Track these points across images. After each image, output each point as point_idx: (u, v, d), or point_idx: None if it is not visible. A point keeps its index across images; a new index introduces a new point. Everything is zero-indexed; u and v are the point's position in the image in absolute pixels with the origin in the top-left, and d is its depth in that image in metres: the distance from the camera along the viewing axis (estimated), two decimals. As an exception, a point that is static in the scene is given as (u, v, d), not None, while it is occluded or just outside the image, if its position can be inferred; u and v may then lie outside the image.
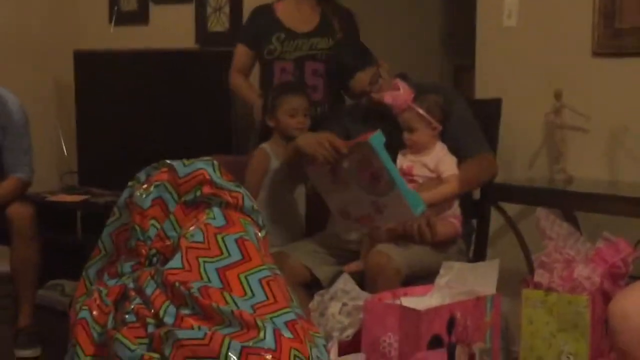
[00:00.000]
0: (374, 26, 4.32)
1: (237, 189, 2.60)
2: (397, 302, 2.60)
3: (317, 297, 2.76)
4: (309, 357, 2.28)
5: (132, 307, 2.42)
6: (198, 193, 2.57)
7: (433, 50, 5.38)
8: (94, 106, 5.04)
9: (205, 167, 2.60)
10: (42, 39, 5.28)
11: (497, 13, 3.74)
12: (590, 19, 3.48)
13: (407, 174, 3.10)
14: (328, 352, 2.45)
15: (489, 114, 3.41)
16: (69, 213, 4.86)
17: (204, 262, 2.40)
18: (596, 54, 3.49)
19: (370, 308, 2.57)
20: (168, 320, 2.34)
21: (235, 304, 2.32)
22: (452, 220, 3.15)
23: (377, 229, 3.09)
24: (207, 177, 2.57)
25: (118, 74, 4.92)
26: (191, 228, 2.50)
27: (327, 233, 3.38)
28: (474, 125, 3.25)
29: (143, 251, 2.55)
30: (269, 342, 2.25)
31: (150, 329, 2.36)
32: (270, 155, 3.43)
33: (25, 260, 3.89)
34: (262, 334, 2.26)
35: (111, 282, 2.60)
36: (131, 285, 2.49)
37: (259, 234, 2.58)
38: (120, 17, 5.22)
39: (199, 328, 2.29)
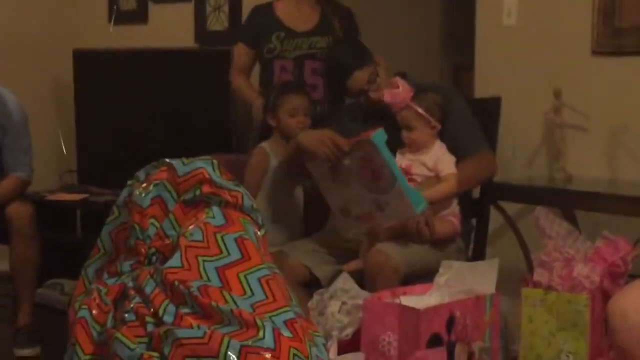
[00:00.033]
0: (373, 25, 4.31)
1: (237, 188, 2.60)
2: (397, 301, 2.60)
3: (316, 296, 2.76)
4: (308, 356, 2.28)
5: (132, 306, 2.42)
6: (197, 192, 2.57)
7: (433, 49, 5.38)
8: (93, 105, 5.04)
9: (205, 166, 2.60)
10: (41, 38, 5.27)
11: (497, 12, 3.74)
12: (590, 18, 3.47)
13: (406, 173, 3.10)
14: (327, 351, 2.45)
15: (488, 112, 3.40)
16: (69, 212, 4.86)
17: (204, 261, 2.40)
18: (596, 52, 3.49)
19: (370, 307, 2.57)
20: (167, 319, 2.34)
21: (235, 303, 2.32)
22: (451, 219, 3.15)
23: (377, 228, 3.09)
24: (207, 176, 2.57)
25: (117, 73, 4.91)
26: (190, 227, 2.50)
27: (327, 232, 3.37)
28: (473, 124, 3.25)
29: (142, 250, 2.55)
30: (268, 341, 2.25)
31: (150, 327, 2.36)
32: (269, 154, 3.43)
33: (24, 259, 3.89)
34: (261, 333, 2.26)
35: (110, 281, 2.60)
36: (130, 284, 2.49)
37: (259, 233, 2.58)
38: (120, 16, 5.22)
39: (199, 327, 2.29)
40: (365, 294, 2.71)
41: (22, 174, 4.01)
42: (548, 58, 3.61)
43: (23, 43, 5.21)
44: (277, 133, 3.45)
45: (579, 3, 3.50)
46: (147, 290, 2.41)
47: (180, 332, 2.27)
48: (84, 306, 2.56)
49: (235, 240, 2.46)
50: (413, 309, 2.50)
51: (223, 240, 2.45)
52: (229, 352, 2.22)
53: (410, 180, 3.09)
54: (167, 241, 2.54)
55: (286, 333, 2.29)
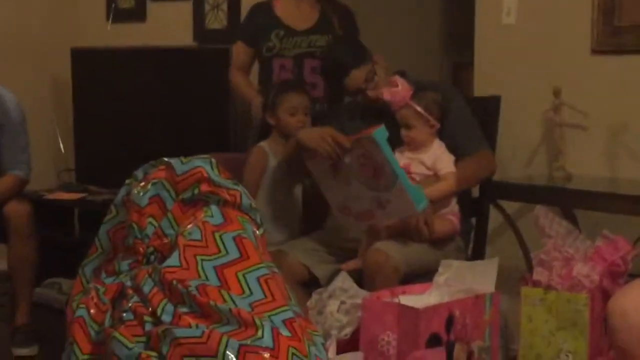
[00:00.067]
0: (373, 24, 4.31)
1: (235, 187, 2.60)
2: (396, 300, 2.60)
3: (315, 296, 2.75)
4: (307, 355, 2.27)
5: (130, 305, 2.42)
6: (196, 191, 2.57)
7: (432, 48, 5.37)
8: (91, 104, 5.03)
9: (203, 165, 2.59)
10: (40, 36, 5.26)
11: (496, 11, 3.74)
12: (590, 17, 3.47)
13: (405, 172, 3.10)
14: (326, 350, 2.45)
15: (488, 111, 3.40)
16: (66, 211, 4.85)
17: (202, 260, 2.40)
18: (595, 51, 3.49)
19: (369, 306, 2.57)
20: (166, 318, 2.34)
21: (233, 302, 2.31)
22: (450, 217, 3.14)
23: (377, 226, 3.09)
24: (205, 175, 2.57)
25: (116, 71, 4.91)
26: (189, 226, 2.50)
27: (326, 231, 3.37)
28: (472, 122, 3.25)
29: (140, 249, 2.55)
30: (267, 340, 2.24)
31: (148, 327, 2.36)
32: (268, 153, 3.42)
33: (22, 258, 3.89)
34: (260, 333, 2.25)
35: (108, 280, 2.59)
36: (129, 283, 2.49)
37: (257, 232, 2.58)
38: (118, 15, 5.21)
39: (197, 326, 2.28)
40: (364, 293, 2.70)
41: (20, 173, 4.00)
42: (548, 57, 3.61)
43: (21, 42, 5.20)
44: (276, 132, 3.44)
45: (579, 2, 3.50)
46: (146, 289, 2.41)
47: (179, 332, 2.27)
48: (81, 305, 2.56)
49: (234, 239, 2.45)
50: (412, 308, 2.49)
51: (221, 239, 2.44)
52: (227, 352, 2.21)
53: (409, 179, 3.09)
54: (165, 240, 2.54)
55: (285, 332, 2.28)
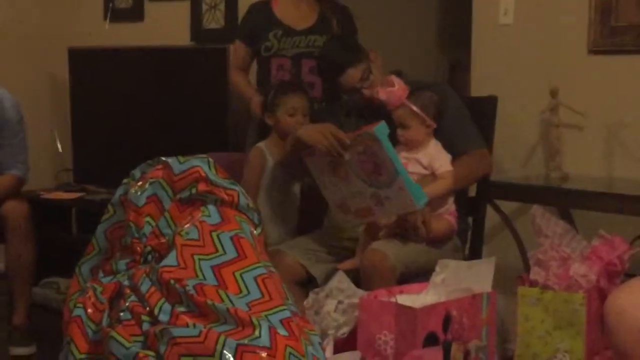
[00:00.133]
0: (370, 23, 4.31)
1: (233, 187, 2.60)
2: (393, 299, 2.60)
3: (312, 295, 2.75)
4: (304, 355, 2.27)
5: (127, 304, 2.42)
6: (193, 190, 2.57)
7: (429, 47, 5.38)
8: (89, 103, 5.03)
9: (201, 164, 2.59)
10: (37, 36, 5.26)
11: (493, 10, 3.74)
12: (587, 17, 3.47)
13: (403, 171, 3.10)
14: (323, 349, 2.45)
15: (484, 111, 3.40)
16: (64, 210, 4.85)
17: (199, 259, 2.40)
18: (592, 51, 3.49)
19: (366, 306, 2.57)
20: (163, 317, 2.34)
21: (231, 301, 2.31)
22: (447, 217, 3.15)
23: (375, 225, 3.09)
24: (203, 174, 2.57)
25: (113, 71, 4.91)
26: (186, 225, 2.50)
27: (323, 231, 3.37)
28: (468, 122, 3.25)
29: (138, 249, 2.55)
30: (264, 340, 2.24)
31: (145, 326, 2.36)
32: (266, 154, 3.42)
33: (20, 257, 3.89)
34: (257, 332, 2.25)
35: (106, 280, 2.59)
36: (126, 282, 2.49)
37: (255, 231, 2.57)
38: (116, 14, 5.21)
39: (194, 326, 2.28)
40: (361, 292, 2.70)
41: (18, 172, 4.01)
42: (544, 57, 3.61)
43: (19, 41, 5.20)
44: (275, 133, 3.44)
45: (576, 2, 3.50)
46: (143, 289, 2.41)
47: (176, 331, 2.27)
48: (79, 305, 2.56)
49: (231, 238, 2.45)
50: (409, 307, 2.49)
51: (219, 238, 2.44)
52: (224, 351, 2.21)
53: (408, 177, 3.09)
54: (162, 240, 2.54)
55: (282, 332, 2.28)
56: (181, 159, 2.62)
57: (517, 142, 3.67)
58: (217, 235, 2.45)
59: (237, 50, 3.98)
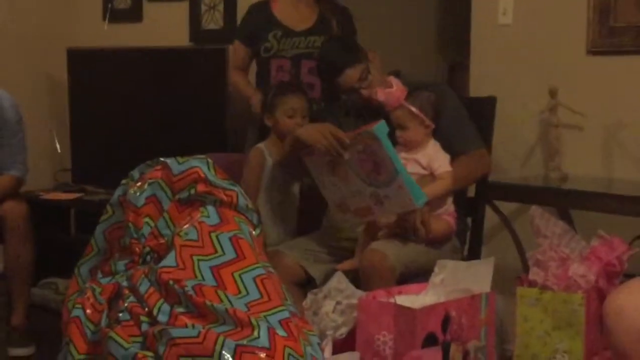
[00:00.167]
0: (369, 24, 4.31)
1: (232, 187, 2.60)
2: (392, 300, 2.60)
3: (310, 296, 2.75)
4: (303, 355, 2.27)
5: (126, 305, 2.42)
6: (192, 191, 2.57)
7: (428, 48, 5.38)
8: (87, 104, 5.03)
9: (200, 165, 2.59)
10: (36, 36, 5.26)
11: (493, 11, 3.74)
12: (585, 17, 3.48)
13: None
14: (322, 350, 2.45)
15: (483, 111, 3.40)
16: (63, 211, 4.85)
17: (198, 260, 2.40)
18: (591, 51, 3.49)
19: (365, 306, 2.57)
20: (162, 318, 2.34)
21: (230, 302, 2.31)
22: (446, 217, 3.15)
23: (374, 225, 3.09)
24: (202, 175, 2.57)
25: (112, 71, 4.91)
26: (185, 226, 2.50)
27: (322, 231, 3.37)
28: (466, 122, 3.25)
29: (137, 249, 2.55)
30: (263, 340, 2.24)
31: (144, 327, 2.36)
32: (265, 155, 3.42)
33: (18, 258, 3.89)
34: (256, 333, 2.25)
35: (105, 280, 2.59)
36: (125, 283, 2.49)
37: (253, 232, 2.57)
38: (114, 15, 5.21)
39: (193, 326, 2.28)
40: (360, 293, 2.70)
41: (16, 173, 4.00)
42: (543, 57, 3.61)
43: (18, 42, 5.20)
44: (274, 133, 3.44)
45: (575, 2, 3.50)
46: (142, 289, 2.41)
47: (175, 332, 2.27)
48: (77, 305, 2.56)
49: (230, 239, 2.45)
50: (408, 308, 2.49)
51: (218, 239, 2.44)
52: (223, 352, 2.21)
53: (407, 176, 3.09)
54: (161, 240, 2.54)
55: (281, 332, 2.28)
56: (180, 159, 2.62)
57: (516, 143, 3.67)
58: (216, 236, 2.45)
59: (236, 51, 3.98)
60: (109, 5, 5.23)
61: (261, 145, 3.45)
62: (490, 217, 3.45)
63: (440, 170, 3.10)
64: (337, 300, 2.69)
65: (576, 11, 3.49)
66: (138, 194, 2.59)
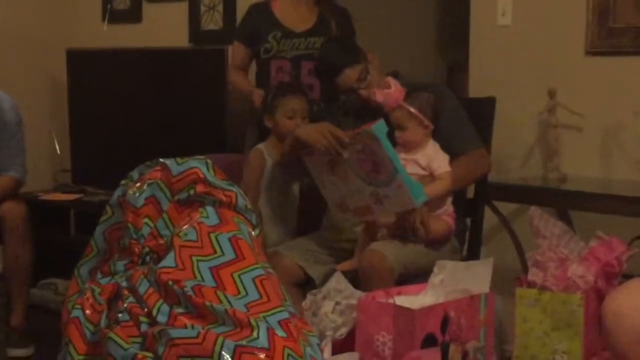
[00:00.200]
0: (369, 24, 4.32)
1: (231, 188, 2.60)
2: (391, 301, 2.60)
3: (309, 297, 2.75)
4: (302, 356, 2.27)
5: (125, 305, 2.42)
6: (191, 192, 2.57)
7: (427, 48, 5.38)
8: (87, 104, 5.03)
9: (199, 165, 2.59)
10: (35, 37, 5.26)
11: (492, 11, 3.75)
12: (584, 18, 3.48)
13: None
14: (322, 351, 2.45)
15: (482, 112, 3.40)
16: (62, 212, 4.85)
17: (198, 260, 2.40)
18: (590, 52, 3.50)
19: (364, 307, 2.57)
20: (161, 319, 2.34)
21: (229, 302, 2.31)
22: (445, 218, 3.15)
23: (374, 225, 3.09)
24: (201, 175, 2.57)
25: (111, 72, 4.91)
26: (185, 227, 2.50)
27: (322, 232, 3.37)
28: (465, 122, 3.25)
29: (136, 250, 2.55)
30: (263, 341, 2.24)
31: (144, 327, 2.36)
32: (265, 155, 3.42)
33: (18, 259, 3.89)
34: (255, 333, 2.25)
35: (104, 281, 2.59)
36: (124, 284, 2.49)
37: (253, 232, 2.57)
38: (114, 16, 5.22)
39: (193, 327, 2.28)
40: (359, 293, 2.70)
41: (16, 174, 4.01)
42: (542, 58, 3.62)
43: (17, 43, 5.20)
44: (274, 134, 3.44)
45: (574, 3, 3.51)
46: (141, 290, 2.41)
47: (174, 332, 2.27)
48: (77, 306, 2.56)
49: (230, 239, 2.45)
50: (407, 309, 2.49)
51: (217, 240, 2.44)
52: (223, 352, 2.21)
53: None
54: (161, 241, 2.54)
55: (280, 333, 2.28)
56: (179, 160, 2.62)
57: (515, 143, 3.67)
58: (216, 237, 2.45)
59: (236, 51, 3.98)
60: (109, 6, 5.23)
61: (261, 146, 3.45)
62: (489, 218, 3.46)
63: (439, 170, 3.10)
64: (336, 301, 2.69)
65: (575, 12, 3.50)
66: (137, 194, 2.59)
